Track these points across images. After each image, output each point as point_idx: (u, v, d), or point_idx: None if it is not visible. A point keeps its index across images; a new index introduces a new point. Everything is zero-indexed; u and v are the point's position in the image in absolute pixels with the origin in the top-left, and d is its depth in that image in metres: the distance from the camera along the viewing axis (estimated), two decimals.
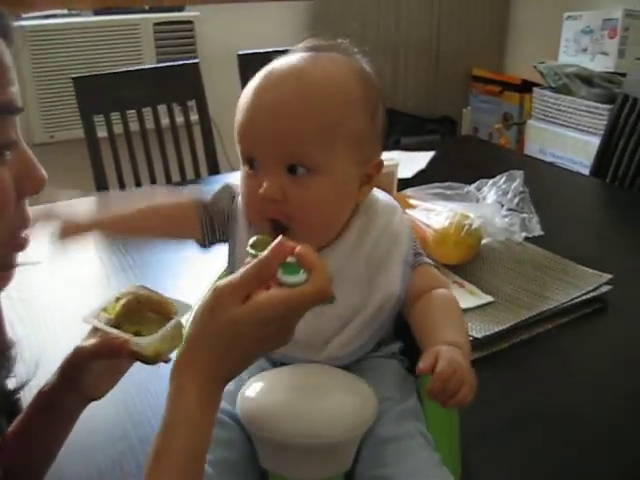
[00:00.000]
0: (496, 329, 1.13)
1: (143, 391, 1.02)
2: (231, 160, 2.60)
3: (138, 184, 2.02)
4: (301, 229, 0.71)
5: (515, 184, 1.51)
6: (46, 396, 0.74)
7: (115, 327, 0.71)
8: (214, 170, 2.12)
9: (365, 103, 0.72)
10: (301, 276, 0.60)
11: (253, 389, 0.69)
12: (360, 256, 0.75)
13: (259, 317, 0.58)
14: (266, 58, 2.25)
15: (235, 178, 1.99)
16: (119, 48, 2.73)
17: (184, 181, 2.09)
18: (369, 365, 0.76)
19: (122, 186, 2.00)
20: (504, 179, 1.52)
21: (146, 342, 0.68)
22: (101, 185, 1.93)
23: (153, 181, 2.05)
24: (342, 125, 0.70)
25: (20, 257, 0.55)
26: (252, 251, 0.63)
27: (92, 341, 0.73)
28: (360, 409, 0.67)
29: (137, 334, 0.70)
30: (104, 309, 0.73)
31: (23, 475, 0.76)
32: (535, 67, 3.06)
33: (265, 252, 0.60)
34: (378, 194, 0.79)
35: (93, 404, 0.96)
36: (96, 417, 0.96)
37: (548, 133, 3.08)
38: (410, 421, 0.69)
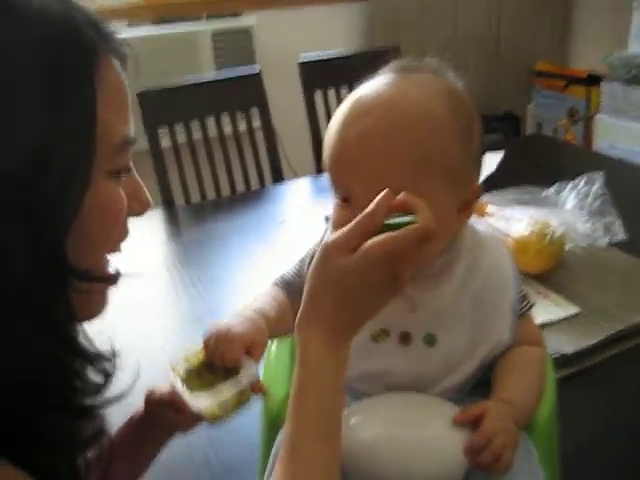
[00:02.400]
0: (586, 344, 1.07)
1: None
2: (293, 166, 2.58)
3: (203, 195, 2.02)
4: None
5: (595, 186, 1.44)
6: (134, 424, 0.77)
7: (196, 374, 0.71)
8: (278, 178, 2.10)
9: (458, 128, 0.68)
10: (407, 217, 0.59)
11: (349, 421, 0.65)
12: (467, 296, 0.71)
13: (367, 260, 0.58)
14: (327, 65, 2.22)
15: (296, 184, 1.94)
16: (178, 58, 2.73)
17: (248, 191, 2.08)
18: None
19: (187, 197, 1.99)
20: (584, 182, 1.45)
21: (204, 406, 0.67)
22: (166, 195, 1.93)
23: (218, 191, 2.04)
24: (435, 155, 0.66)
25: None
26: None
27: (163, 390, 0.75)
28: (462, 446, 0.62)
29: (210, 384, 0.70)
30: (186, 358, 0.73)
31: None
32: (603, 59, 2.94)
33: (370, 205, 0.59)
34: (476, 225, 0.75)
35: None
36: (176, 441, 0.95)
37: (618, 127, 2.96)
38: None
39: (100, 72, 0.50)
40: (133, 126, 0.55)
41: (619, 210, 1.45)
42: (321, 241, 0.78)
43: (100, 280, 0.55)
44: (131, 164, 0.56)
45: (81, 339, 0.52)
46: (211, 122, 2.02)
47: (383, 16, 3.22)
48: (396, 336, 0.70)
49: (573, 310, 1.17)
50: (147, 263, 1.56)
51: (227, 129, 2.04)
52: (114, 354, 0.54)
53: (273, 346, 0.83)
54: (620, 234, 1.40)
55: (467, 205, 0.70)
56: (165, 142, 1.94)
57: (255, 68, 2.11)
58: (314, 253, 0.77)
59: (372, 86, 0.69)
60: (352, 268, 0.59)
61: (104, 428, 0.54)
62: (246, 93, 2.06)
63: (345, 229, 0.60)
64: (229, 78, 2.08)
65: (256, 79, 2.05)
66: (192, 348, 0.73)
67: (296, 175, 2.27)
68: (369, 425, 0.66)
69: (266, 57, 2.88)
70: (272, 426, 0.74)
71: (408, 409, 0.67)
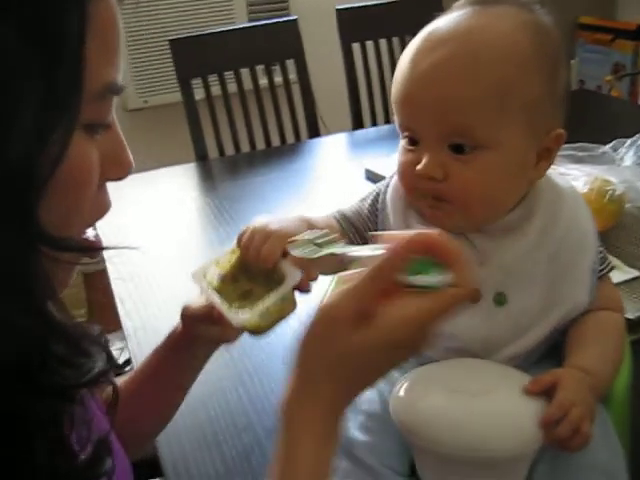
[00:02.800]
0: None
1: (264, 374, 0.96)
2: (326, 123, 2.50)
3: (237, 148, 1.96)
4: (461, 209, 0.63)
5: None
6: (174, 340, 0.73)
7: (231, 280, 0.65)
8: (314, 132, 2.03)
9: (541, 63, 0.62)
10: (440, 276, 0.48)
11: (408, 389, 0.61)
12: (543, 255, 0.65)
13: (392, 339, 0.48)
14: (365, 12, 2.12)
15: (333, 139, 1.86)
16: (210, 6, 2.65)
17: (284, 144, 2.02)
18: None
19: (221, 151, 1.94)
20: None
21: (244, 320, 0.60)
22: (200, 149, 1.88)
23: (252, 145, 1.98)
24: (514, 91, 0.60)
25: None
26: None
27: (198, 303, 0.68)
28: (537, 414, 0.57)
29: (249, 293, 0.63)
30: (217, 262, 0.67)
31: (151, 421, 0.78)
32: None
33: (387, 253, 0.48)
34: (556, 177, 0.69)
35: (214, 395, 0.92)
36: (219, 402, 0.92)
37: None
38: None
39: None
40: (122, 73, 0.45)
41: None
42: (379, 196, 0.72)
43: (77, 250, 0.46)
44: (114, 118, 0.47)
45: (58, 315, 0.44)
46: (245, 73, 1.95)
47: None
48: None
49: (633, 273, 1.10)
50: (181, 218, 1.52)
51: (262, 81, 1.97)
52: (97, 336, 0.48)
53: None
54: None
55: (548, 152, 0.64)
56: (198, 94, 1.88)
57: (292, 16, 2.02)
58: (378, 194, 0.71)
59: (447, 19, 0.63)
60: (371, 347, 0.48)
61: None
62: (282, 43, 1.98)
63: (354, 288, 0.49)
64: (265, 25, 2.00)
65: (293, 28, 1.97)
66: (223, 255, 0.67)
67: (329, 132, 2.20)
68: (431, 393, 0.61)
69: (300, 9, 2.78)
70: None
71: (474, 376, 0.62)
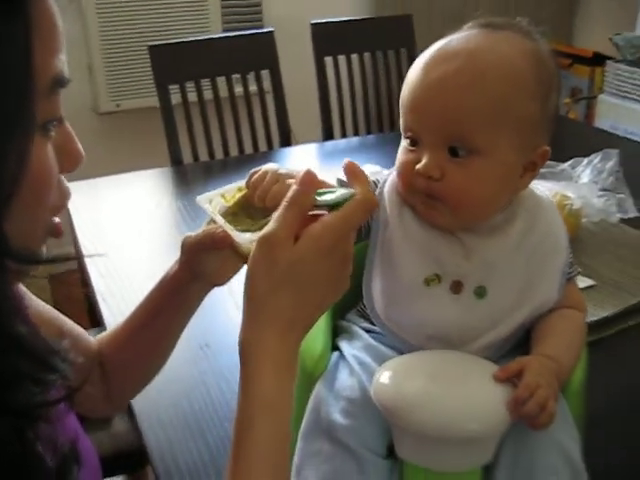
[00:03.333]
0: (603, 314, 1.09)
1: None
2: (297, 133, 2.56)
3: (211, 155, 2.01)
4: (452, 208, 0.69)
5: (611, 163, 1.46)
6: (169, 282, 0.75)
7: (232, 215, 0.67)
8: (286, 142, 2.09)
9: (537, 87, 0.69)
10: (345, 190, 0.58)
11: (390, 376, 0.67)
12: (522, 254, 0.72)
13: (320, 247, 0.55)
14: (338, 28, 2.20)
15: (304, 149, 1.91)
16: (186, 14, 2.69)
17: (256, 152, 2.07)
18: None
19: (195, 156, 1.98)
20: (599, 158, 1.47)
21: (244, 239, 0.64)
22: (175, 154, 1.92)
23: (226, 152, 2.03)
24: (511, 108, 0.67)
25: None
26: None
27: (199, 231, 0.71)
28: (505, 398, 0.64)
29: (247, 230, 0.66)
30: (222, 195, 0.70)
31: (143, 367, 0.79)
32: (610, 39, 2.94)
33: (294, 186, 0.57)
34: (536, 188, 0.76)
35: (196, 389, 0.96)
36: (202, 395, 0.96)
37: (621, 108, 2.97)
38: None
39: None
40: (68, 67, 0.45)
41: (631, 188, 1.47)
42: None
43: (41, 262, 0.47)
44: (62, 111, 0.47)
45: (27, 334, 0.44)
46: (222, 82, 2.00)
47: None
48: (448, 283, 0.71)
49: (589, 282, 1.18)
50: (155, 220, 1.56)
51: (237, 89, 2.03)
52: (58, 351, 0.47)
53: None
54: (632, 211, 1.43)
55: (533, 166, 0.71)
56: (175, 100, 1.92)
57: (268, 29, 2.08)
58: (375, 184, 0.76)
59: (459, 37, 0.70)
60: (303, 258, 0.55)
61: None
62: (258, 54, 2.04)
63: (279, 218, 0.56)
64: (242, 36, 2.06)
65: (269, 39, 2.03)
66: (228, 189, 0.70)
67: (299, 142, 2.26)
68: (411, 379, 0.67)
69: (274, 22, 2.84)
70: (307, 383, 0.74)
71: (449, 365, 0.68)
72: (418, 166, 0.68)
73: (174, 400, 0.95)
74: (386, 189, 0.75)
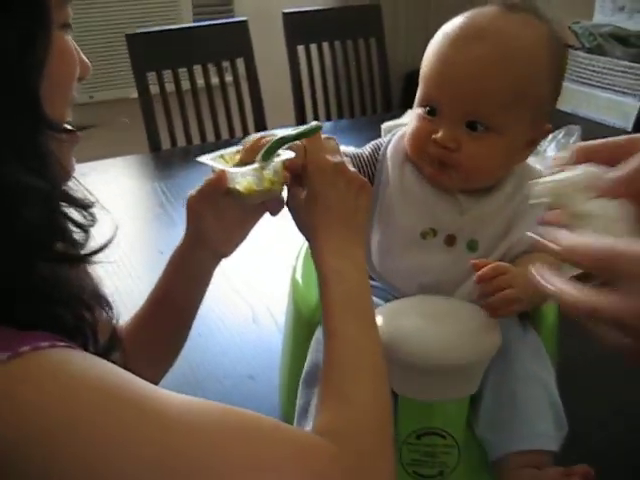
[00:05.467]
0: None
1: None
2: (270, 120, 2.62)
3: (189, 141, 2.05)
4: (463, 176, 0.74)
5: (573, 138, 1.54)
6: (179, 256, 0.77)
7: None
8: (261, 128, 2.14)
9: (552, 70, 0.74)
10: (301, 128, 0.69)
11: (384, 315, 0.73)
12: (512, 205, 0.77)
13: (324, 182, 0.67)
14: (310, 17, 2.27)
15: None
16: (157, 4, 2.72)
17: (232, 138, 2.12)
18: None
19: (174, 142, 2.02)
20: (563, 133, 1.55)
21: (240, 172, 0.68)
22: (154, 141, 1.96)
23: (203, 138, 2.07)
24: (530, 90, 0.72)
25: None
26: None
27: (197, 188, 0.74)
28: (488, 333, 0.70)
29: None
30: (222, 156, 0.73)
31: (167, 344, 0.82)
32: (569, 27, 3.04)
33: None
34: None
35: (193, 343, 1.01)
36: (199, 355, 1.01)
37: (580, 94, 3.07)
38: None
39: None
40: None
41: None
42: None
43: (68, 132, 0.53)
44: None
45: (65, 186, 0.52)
46: (198, 69, 2.04)
47: None
48: (442, 237, 0.77)
49: None
50: (135, 202, 1.60)
51: (213, 77, 2.07)
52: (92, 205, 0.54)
53: (303, 248, 0.89)
54: None
55: (533, 142, 0.77)
56: (152, 87, 1.96)
57: (242, 18, 2.13)
58: (378, 147, 0.82)
59: (481, 14, 0.74)
60: (323, 191, 0.67)
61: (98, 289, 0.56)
62: (232, 42, 2.08)
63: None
64: (217, 25, 2.10)
65: (243, 28, 2.08)
66: (228, 151, 0.74)
67: (273, 128, 2.31)
68: (404, 317, 0.73)
69: (245, 12, 2.89)
70: (306, 331, 0.80)
71: (439, 306, 0.74)
72: (435, 136, 0.72)
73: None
74: (389, 151, 0.81)
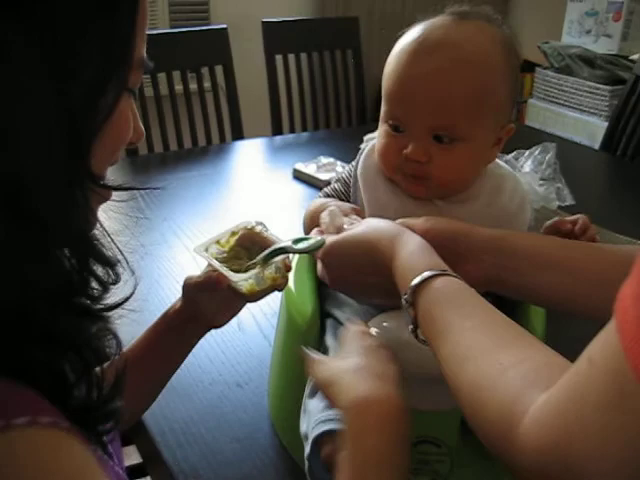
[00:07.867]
0: None
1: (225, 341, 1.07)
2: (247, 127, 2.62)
3: (166, 147, 2.04)
4: (437, 185, 0.76)
5: (549, 155, 1.58)
6: (169, 319, 0.79)
7: (226, 260, 0.74)
8: (238, 135, 2.15)
9: (509, 72, 0.75)
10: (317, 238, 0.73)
11: (378, 324, 0.74)
12: (492, 212, 0.79)
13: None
14: (289, 27, 2.30)
15: (255, 143, 1.97)
16: None
17: (209, 144, 2.12)
18: None
19: (150, 149, 2.01)
20: (539, 150, 1.59)
21: (240, 279, 0.71)
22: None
23: (180, 144, 2.07)
24: (489, 96, 0.73)
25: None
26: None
27: (199, 273, 0.77)
28: None
29: (244, 270, 0.73)
30: (217, 241, 0.76)
31: (134, 400, 0.78)
32: (539, 47, 3.12)
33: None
34: (499, 163, 0.84)
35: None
36: (186, 362, 1.01)
37: (548, 112, 3.16)
38: None
39: None
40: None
41: (566, 179, 1.60)
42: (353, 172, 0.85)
43: (106, 187, 0.53)
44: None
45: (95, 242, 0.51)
46: (177, 75, 2.04)
47: None
48: None
49: None
50: (110, 209, 1.58)
51: (192, 84, 2.07)
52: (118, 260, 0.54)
53: (295, 260, 0.90)
54: (569, 199, 1.55)
55: (499, 141, 0.79)
56: None
57: (222, 25, 2.13)
58: (349, 174, 0.85)
59: (434, 26, 0.75)
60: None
61: (116, 336, 0.54)
62: (211, 49, 2.09)
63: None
64: (196, 31, 2.11)
65: (222, 36, 2.08)
66: (223, 234, 0.77)
67: (249, 136, 2.32)
68: (399, 327, 0.73)
69: (221, 19, 2.89)
70: (298, 339, 0.80)
71: None
72: (407, 151, 0.74)
73: None
74: (359, 171, 0.82)
